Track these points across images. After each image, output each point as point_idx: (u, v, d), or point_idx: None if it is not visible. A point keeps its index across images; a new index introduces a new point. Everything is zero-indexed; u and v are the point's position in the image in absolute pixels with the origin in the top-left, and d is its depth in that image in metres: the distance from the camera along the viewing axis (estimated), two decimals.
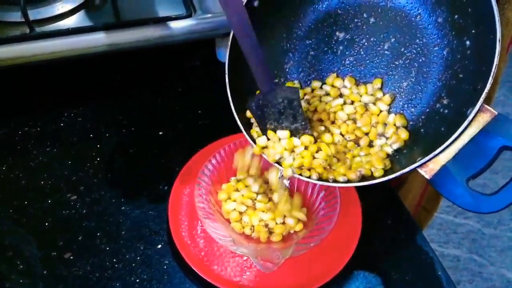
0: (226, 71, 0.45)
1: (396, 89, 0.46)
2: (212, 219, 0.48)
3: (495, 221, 1.54)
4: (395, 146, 0.43)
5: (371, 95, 0.47)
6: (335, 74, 0.48)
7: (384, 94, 0.46)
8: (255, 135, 0.45)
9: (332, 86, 0.48)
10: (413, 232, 0.53)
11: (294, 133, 0.43)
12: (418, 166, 0.37)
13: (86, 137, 0.61)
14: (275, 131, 0.43)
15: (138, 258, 0.49)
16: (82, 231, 0.51)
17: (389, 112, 0.46)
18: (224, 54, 0.47)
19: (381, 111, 0.46)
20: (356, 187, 0.51)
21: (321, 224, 0.48)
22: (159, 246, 0.51)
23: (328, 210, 0.48)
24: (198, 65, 0.73)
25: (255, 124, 0.46)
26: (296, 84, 0.49)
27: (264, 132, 0.44)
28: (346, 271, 0.48)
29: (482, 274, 1.41)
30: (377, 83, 0.47)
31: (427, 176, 0.37)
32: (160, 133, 0.63)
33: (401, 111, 0.45)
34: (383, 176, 0.40)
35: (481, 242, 1.48)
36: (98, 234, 0.51)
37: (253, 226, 0.49)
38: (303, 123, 0.42)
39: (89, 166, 0.58)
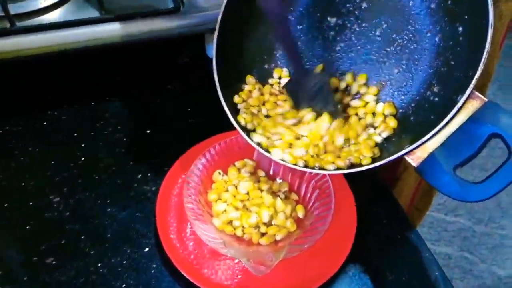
0: (214, 54, 0.44)
1: (387, 76, 0.45)
2: (201, 221, 0.46)
3: (486, 219, 1.55)
4: (384, 135, 0.43)
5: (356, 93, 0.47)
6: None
7: (368, 87, 0.46)
8: (242, 121, 0.44)
9: None
10: (409, 232, 0.52)
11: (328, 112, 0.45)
12: (406, 154, 0.37)
13: (70, 136, 0.59)
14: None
15: (125, 262, 0.47)
16: (65, 235, 0.49)
17: (377, 101, 0.46)
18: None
19: (367, 103, 0.46)
20: (350, 183, 0.52)
21: (315, 224, 0.46)
22: (147, 249, 0.49)
23: (322, 210, 0.47)
24: (187, 62, 0.71)
25: (242, 110, 0.46)
26: (285, 72, 0.49)
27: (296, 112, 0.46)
28: (341, 273, 0.46)
29: (473, 272, 1.41)
30: (362, 79, 0.46)
31: (414, 164, 0.37)
32: (148, 131, 0.60)
33: (391, 99, 0.45)
34: (371, 163, 0.40)
35: (472, 239, 1.49)
36: (82, 237, 0.49)
37: (244, 228, 0.47)
38: (333, 106, 0.45)
39: (73, 166, 0.55)
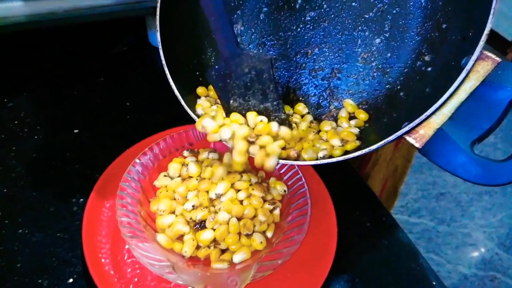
0: (158, 30, 0.36)
1: (368, 48, 0.39)
2: (142, 238, 0.35)
3: (448, 218, 1.54)
4: (355, 130, 0.37)
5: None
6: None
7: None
8: (199, 111, 0.37)
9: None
10: (397, 235, 0.44)
11: (264, 115, 0.35)
12: (405, 133, 0.30)
13: None
14: (241, 112, 0.35)
15: None
16: None
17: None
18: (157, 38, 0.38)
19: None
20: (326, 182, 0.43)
21: (289, 234, 0.36)
22: (70, 280, 0.38)
23: (296, 215, 0.37)
24: (125, 50, 0.60)
25: (202, 98, 0.38)
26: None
27: (226, 109, 0.36)
28: None
29: (440, 273, 1.39)
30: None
31: (418, 145, 0.30)
32: (76, 131, 0.49)
33: (373, 76, 0.38)
34: (356, 150, 0.33)
35: (437, 240, 1.47)
36: None
37: (199, 244, 0.36)
38: (275, 102, 0.34)
39: None
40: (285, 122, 0.35)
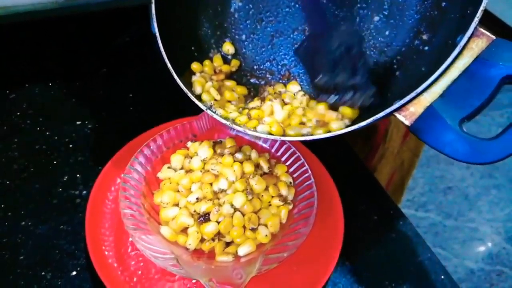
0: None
1: (365, 25, 0.38)
2: (145, 231, 0.34)
3: (455, 213, 1.53)
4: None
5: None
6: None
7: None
8: (198, 89, 0.37)
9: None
10: (404, 229, 0.43)
11: (353, 91, 0.34)
12: (395, 110, 0.30)
13: None
14: (328, 89, 0.34)
15: None
16: None
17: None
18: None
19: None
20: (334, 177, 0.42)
21: (295, 227, 0.36)
22: (74, 273, 0.37)
23: (302, 207, 0.36)
24: (128, 41, 0.59)
25: (197, 75, 0.38)
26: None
27: (313, 86, 0.36)
28: (329, 286, 0.38)
29: (447, 267, 1.38)
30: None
31: (407, 122, 0.30)
32: (78, 123, 0.48)
33: (369, 54, 0.38)
34: (352, 125, 0.31)
35: (443, 235, 1.46)
36: None
37: (203, 237, 0.36)
38: (364, 78, 0.34)
39: None
40: (375, 96, 0.34)
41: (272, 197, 0.38)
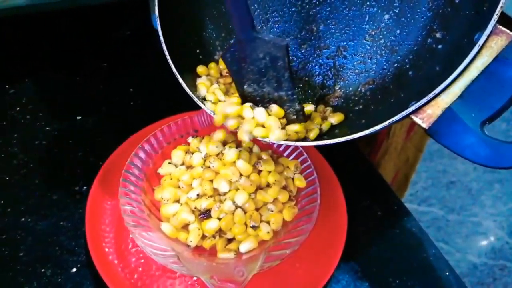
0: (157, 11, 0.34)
1: (376, 24, 0.37)
2: (145, 227, 0.34)
3: (458, 207, 1.52)
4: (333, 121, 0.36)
5: None
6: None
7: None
8: (203, 91, 0.36)
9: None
10: (409, 224, 0.43)
11: (278, 103, 0.34)
12: (412, 113, 0.29)
13: None
14: (254, 99, 0.34)
15: None
16: None
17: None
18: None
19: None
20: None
21: (298, 223, 0.35)
22: (74, 270, 0.37)
23: (305, 203, 0.36)
24: (128, 35, 0.59)
25: (203, 77, 0.37)
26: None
27: (240, 94, 0.35)
28: (332, 282, 0.37)
29: (450, 262, 1.38)
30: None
31: (425, 125, 0.29)
32: (78, 118, 0.48)
33: (380, 54, 0.37)
34: (368, 128, 0.30)
35: (446, 229, 1.46)
36: None
37: (204, 233, 0.35)
38: (289, 92, 0.33)
39: None
40: (299, 113, 0.34)
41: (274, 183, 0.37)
